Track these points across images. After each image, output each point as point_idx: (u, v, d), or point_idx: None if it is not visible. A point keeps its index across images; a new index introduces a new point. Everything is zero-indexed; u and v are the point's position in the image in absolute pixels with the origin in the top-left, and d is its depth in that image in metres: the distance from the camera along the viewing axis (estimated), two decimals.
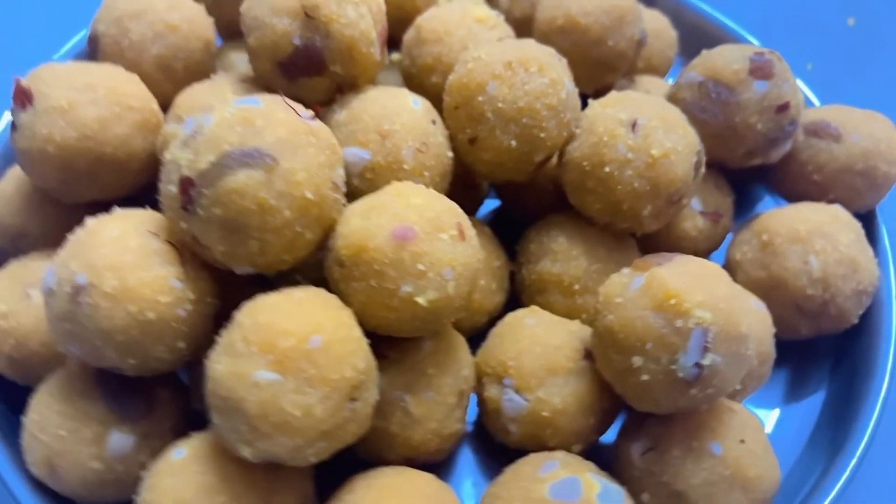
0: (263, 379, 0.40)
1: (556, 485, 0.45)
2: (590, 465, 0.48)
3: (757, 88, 0.58)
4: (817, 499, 0.49)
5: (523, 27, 0.76)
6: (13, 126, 0.52)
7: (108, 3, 0.61)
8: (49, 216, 0.57)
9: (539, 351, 0.50)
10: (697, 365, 0.43)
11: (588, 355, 0.51)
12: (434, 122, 0.54)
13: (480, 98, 0.52)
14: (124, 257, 0.43)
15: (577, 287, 0.56)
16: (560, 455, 0.48)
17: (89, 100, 0.51)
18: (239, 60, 0.68)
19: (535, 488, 0.45)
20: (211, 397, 0.42)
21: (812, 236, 0.57)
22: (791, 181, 0.63)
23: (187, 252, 0.46)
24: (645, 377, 0.44)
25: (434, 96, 0.59)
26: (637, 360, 0.44)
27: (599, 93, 0.69)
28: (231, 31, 0.69)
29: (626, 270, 0.48)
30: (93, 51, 0.61)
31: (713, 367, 0.43)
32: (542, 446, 0.50)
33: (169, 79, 0.61)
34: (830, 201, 0.61)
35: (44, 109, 0.50)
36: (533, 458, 0.47)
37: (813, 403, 0.59)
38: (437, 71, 0.60)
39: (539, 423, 0.49)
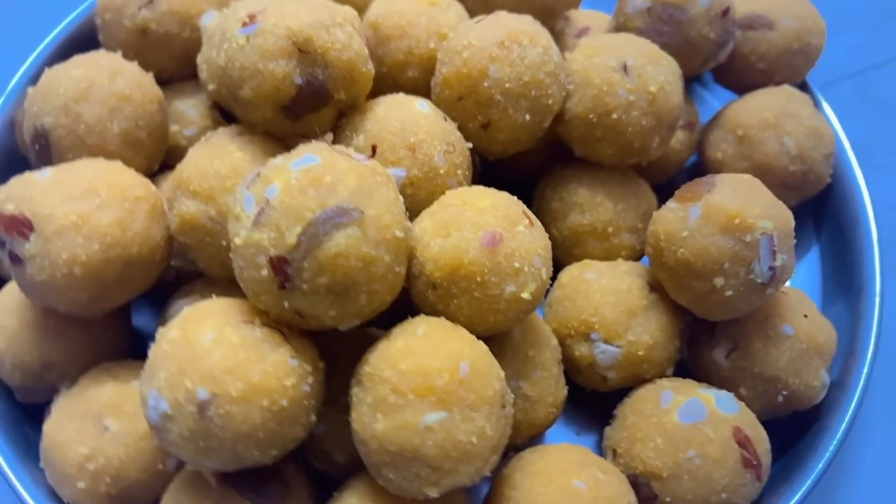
0: (433, 421, 0.40)
1: (682, 410, 0.50)
2: (692, 382, 0.53)
3: (702, 1, 0.62)
4: (864, 338, 0.57)
5: None
6: (15, 260, 0.47)
7: (41, 92, 0.54)
8: (71, 339, 0.52)
9: (614, 300, 0.54)
10: (771, 268, 0.49)
11: (653, 287, 0.55)
12: (446, 119, 0.54)
13: (486, 83, 0.53)
14: (237, 356, 0.41)
15: (610, 230, 0.59)
16: (667, 383, 0.52)
17: (97, 205, 0.47)
18: (186, 108, 0.63)
19: (666, 420, 0.49)
20: (377, 455, 0.42)
21: (780, 119, 0.64)
22: (738, 75, 0.70)
23: (284, 327, 0.44)
24: (728, 293, 0.49)
25: (412, 91, 0.59)
26: (719, 281, 0.49)
27: None
28: (160, 80, 0.63)
29: (672, 205, 0.52)
30: (42, 149, 0.54)
31: (783, 265, 0.49)
32: (640, 381, 0.54)
33: (138, 152, 0.56)
34: (777, 83, 0.68)
35: (53, 232, 0.46)
36: (647, 394, 0.52)
37: (811, 261, 0.68)
38: (411, 65, 0.59)
39: (636, 363, 0.54)
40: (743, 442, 0.48)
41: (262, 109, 0.50)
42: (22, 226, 0.46)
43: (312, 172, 0.42)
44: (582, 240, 0.60)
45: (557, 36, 0.71)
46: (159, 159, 0.59)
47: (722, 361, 0.54)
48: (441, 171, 0.51)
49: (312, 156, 0.43)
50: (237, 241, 0.42)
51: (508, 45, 0.53)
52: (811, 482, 0.51)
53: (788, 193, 0.65)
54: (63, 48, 0.69)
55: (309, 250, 0.41)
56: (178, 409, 0.41)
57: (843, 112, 0.71)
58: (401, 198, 0.46)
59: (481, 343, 0.45)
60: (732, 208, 0.48)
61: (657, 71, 0.56)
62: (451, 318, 0.46)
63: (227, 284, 0.53)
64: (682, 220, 0.51)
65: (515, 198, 0.50)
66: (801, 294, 0.56)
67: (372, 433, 0.42)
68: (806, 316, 0.54)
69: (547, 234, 0.50)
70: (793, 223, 0.50)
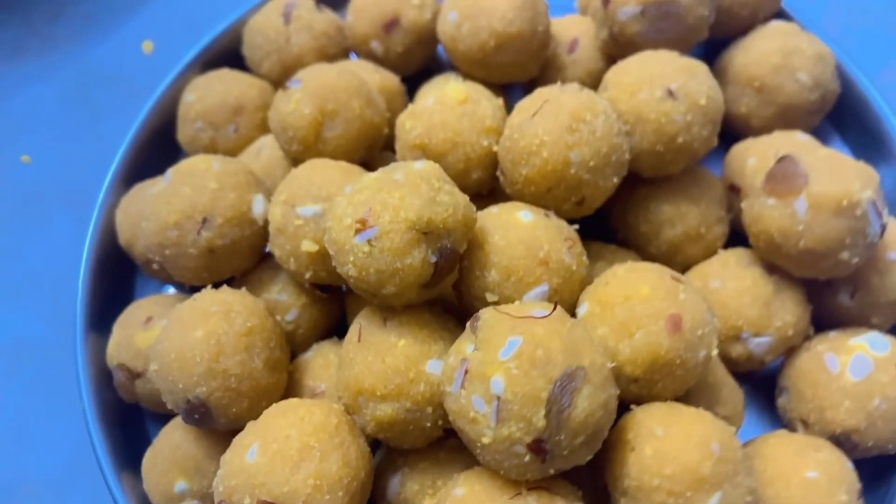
0: (715, 503, 0.46)
1: (852, 369, 0.57)
2: (840, 334, 0.60)
3: None
4: None
5: (413, 53, 0.76)
6: None
7: (176, 367, 0.53)
8: None
9: (748, 299, 0.59)
10: (881, 225, 0.55)
11: (771, 270, 0.61)
12: (548, 215, 0.56)
13: (572, 170, 0.55)
14: None
15: (703, 230, 0.64)
16: (821, 346, 0.59)
17: (320, 458, 0.48)
18: (276, 296, 0.63)
19: (844, 382, 0.56)
20: None
21: (787, 59, 0.68)
22: (724, 26, 0.73)
23: (542, 483, 0.48)
24: (854, 260, 0.55)
25: (478, 188, 0.62)
26: (844, 255, 0.55)
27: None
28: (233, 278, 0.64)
29: (770, 201, 0.57)
30: (203, 415, 0.54)
31: (887, 216, 0.55)
32: (791, 349, 0.61)
33: (281, 370, 0.58)
34: (763, 21, 0.72)
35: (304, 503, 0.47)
36: (812, 364, 0.58)
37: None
38: (472, 168, 0.61)
39: (786, 341, 0.60)
40: None
41: (406, 295, 0.51)
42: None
43: (524, 355, 0.44)
44: (681, 248, 0.65)
45: (551, 59, 0.73)
46: (288, 362, 0.60)
47: (848, 303, 0.61)
48: (574, 269, 0.54)
49: (514, 338, 0.45)
50: (485, 440, 0.45)
51: (576, 126, 0.55)
52: None
53: (814, 117, 0.71)
54: None
55: (560, 424, 0.44)
56: None
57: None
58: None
59: (707, 413, 0.50)
60: (837, 192, 0.53)
61: (698, 82, 0.59)
62: (657, 398, 0.51)
63: (427, 448, 0.56)
64: (791, 216, 0.55)
65: (653, 264, 0.54)
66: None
67: None
68: None
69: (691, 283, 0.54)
70: (878, 176, 0.56)
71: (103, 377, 0.67)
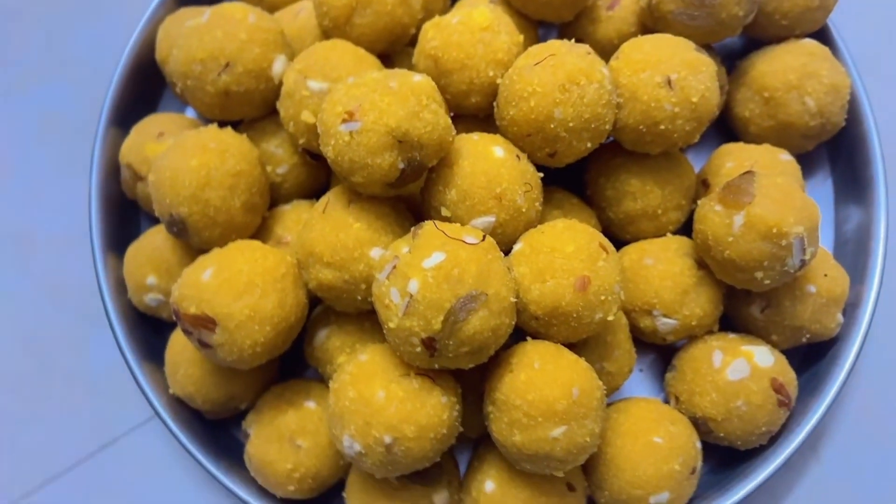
0: (558, 434, 0.55)
1: (731, 369, 0.64)
2: (735, 338, 0.67)
3: None
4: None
5: None
6: (204, 346, 0.58)
7: (167, 185, 0.62)
8: (247, 376, 0.66)
9: (670, 283, 0.66)
10: (801, 260, 0.60)
11: (700, 265, 0.67)
12: (519, 157, 0.62)
13: (552, 125, 0.60)
14: (406, 407, 0.55)
15: (660, 211, 0.70)
16: (715, 343, 0.66)
17: (259, 295, 0.58)
18: (274, 148, 0.71)
19: (719, 378, 0.64)
20: (516, 456, 0.57)
21: (802, 80, 0.71)
22: (761, 28, 0.75)
23: (432, 372, 0.57)
24: (766, 281, 0.61)
25: (475, 111, 0.67)
26: (759, 274, 0.61)
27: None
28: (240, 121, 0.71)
29: (717, 207, 0.62)
30: (180, 231, 0.63)
31: (810, 255, 0.60)
32: (693, 336, 0.69)
33: (256, 214, 0.66)
34: (797, 36, 0.74)
35: (235, 326, 0.57)
36: (701, 353, 0.66)
37: (825, 192, 0.79)
38: (473, 93, 0.65)
39: (690, 328, 0.67)
40: (778, 388, 0.63)
41: (371, 188, 0.58)
42: (206, 322, 0.57)
43: (442, 269, 0.52)
44: (635, 221, 0.71)
45: (589, 10, 0.76)
46: (266, 209, 0.68)
47: (757, 315, 0.68)
48: (523, 210, 0.61)
49: (439, 253, 0.53)
50: (391, 325, 0.54)
51: (569, 87, 0.60)
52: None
53: (807, 142, 0.74)
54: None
55: (451, 332, 0.52)
56: (370, 449, 0.55)
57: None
58: (506, 262, 0.57)
59: (583, 362, 0.58)
60: (771, 219, 0.59)
61: (698, 80, 0.63)
62: (551, 338, 0.60)
63: (356, 316, 0.66)
64: (727, 226, 0.61)
65: (590, 228, 0.60)
66: (822, 253, 0.68)
67: (511, 443, 0.57)
68: (826, 275, 0.66)
69: (617, 255, 0.61)
70: (819, 216, 0.61)
71: (113, 169, 0.76)
